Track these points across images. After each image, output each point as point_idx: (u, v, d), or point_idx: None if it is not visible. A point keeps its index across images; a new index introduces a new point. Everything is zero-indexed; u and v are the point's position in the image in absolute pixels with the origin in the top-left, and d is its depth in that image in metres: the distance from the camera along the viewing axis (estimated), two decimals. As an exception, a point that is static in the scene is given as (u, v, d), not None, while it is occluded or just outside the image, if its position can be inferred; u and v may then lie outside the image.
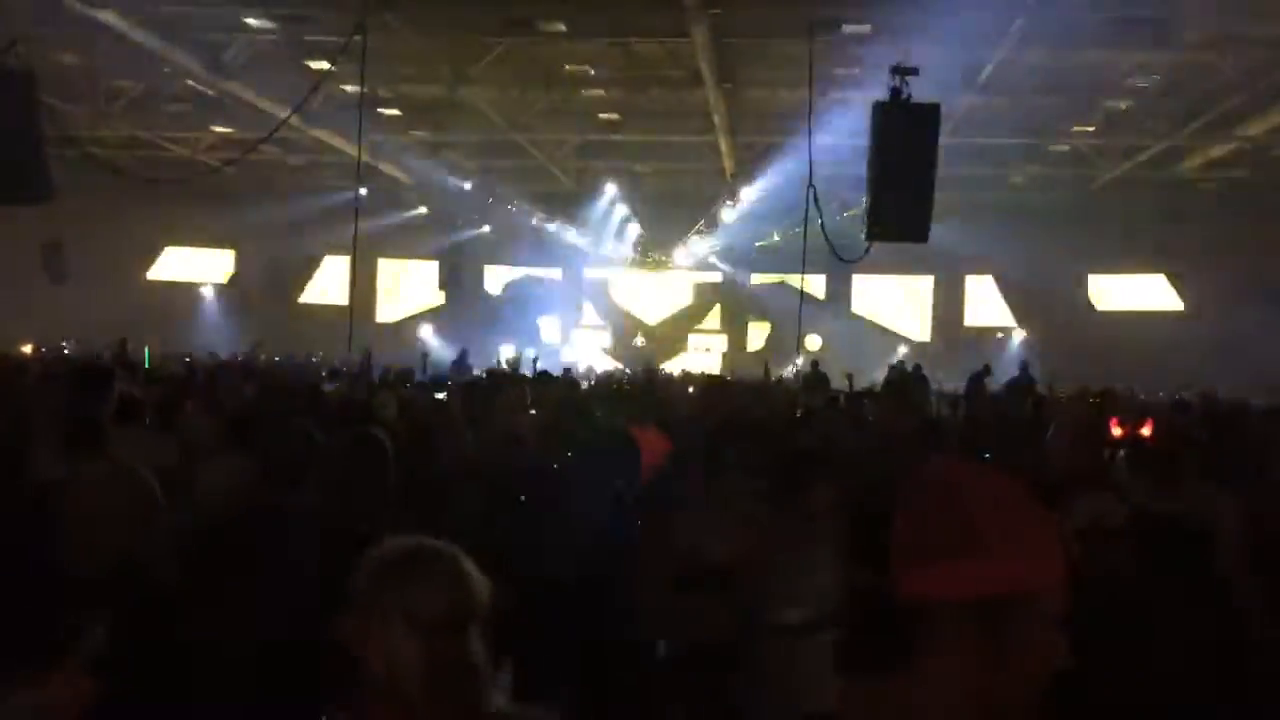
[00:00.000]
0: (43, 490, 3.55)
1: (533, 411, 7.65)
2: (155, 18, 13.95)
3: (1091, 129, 19.06)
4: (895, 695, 1.39)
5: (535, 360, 19.22)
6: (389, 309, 30.22)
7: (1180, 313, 25.46)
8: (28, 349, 21.50)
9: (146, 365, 15.24)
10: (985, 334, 26.79)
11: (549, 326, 29.51)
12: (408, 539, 2.09)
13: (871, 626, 1.39)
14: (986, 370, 18.25)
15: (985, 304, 28.21)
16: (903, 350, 25.60)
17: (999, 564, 1.36)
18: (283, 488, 3.78)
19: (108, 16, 13.22)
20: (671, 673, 3.61)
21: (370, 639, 1.96)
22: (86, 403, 5.19)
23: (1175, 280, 25.66)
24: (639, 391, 12.61)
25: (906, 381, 16.93)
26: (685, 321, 30.54)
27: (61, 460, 4.12)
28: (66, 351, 20.06)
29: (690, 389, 13.11)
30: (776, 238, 25.05)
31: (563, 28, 14.18)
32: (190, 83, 17.19)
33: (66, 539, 2.39)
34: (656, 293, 30.47)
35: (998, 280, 27.43)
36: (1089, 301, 26.79)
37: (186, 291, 29.75)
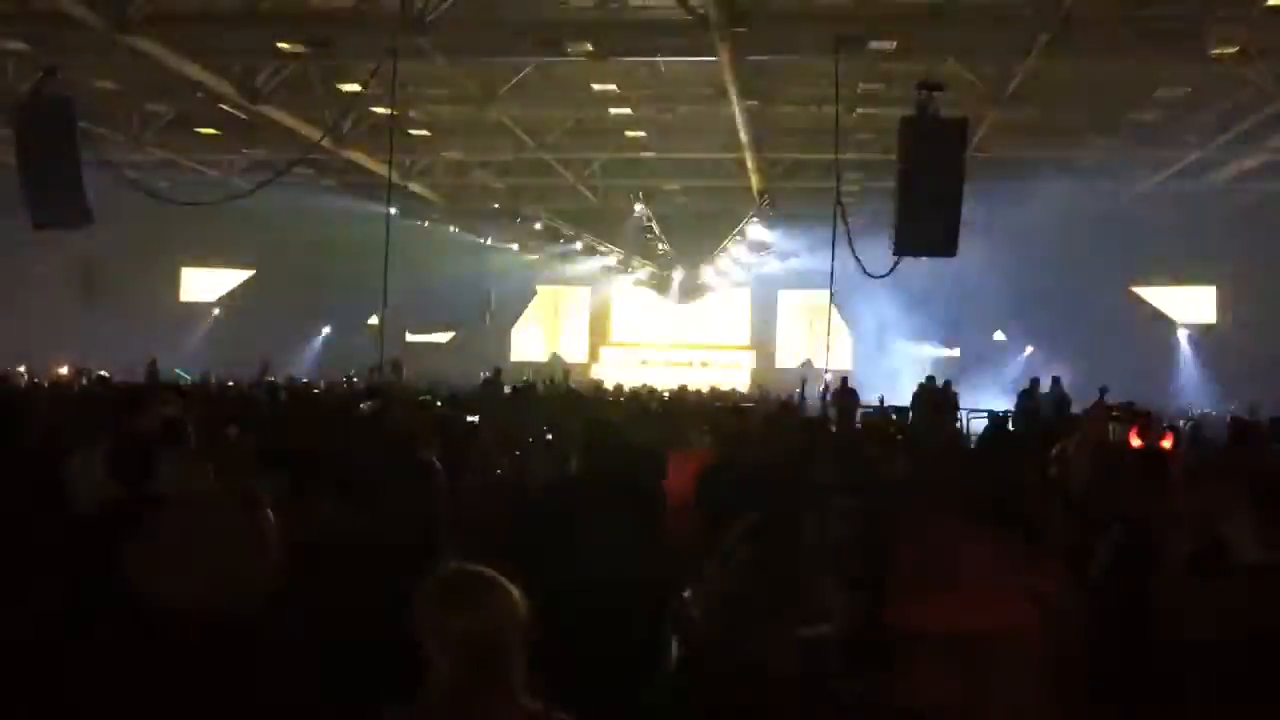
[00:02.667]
0: (113, 509, 3.61)
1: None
2: (190, 44, 14.18)
3: (1119, 142, 18.98)
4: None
5: (566, 374, 19.41)
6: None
7: (1214, 325, 25.23)
8: (64, 370, 21.84)
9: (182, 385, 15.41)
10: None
11: (577, 342, 29.61)
12: (461, 566, 2.43)
13: (866, 646, 1.48)
14: (1035, 385, 18.00)
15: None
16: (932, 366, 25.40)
17: (969, 603, 1.42)
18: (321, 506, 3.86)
19: (143, 43, 13.45)
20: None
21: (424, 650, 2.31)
22: (132, 423, 5.27)
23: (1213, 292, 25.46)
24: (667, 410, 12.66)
25: (936, 397, 16.89)
26: (712, 338, 30.58)
27: (108, 481, 4.19)
28: (103, 373, 20.32)
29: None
30: (804, 253, 25.00)
31: (590, 48, 14.29)
32: (224, 107, 17.45)
33: (174, 563, 2.41)
34: (684, 309, 30.48)
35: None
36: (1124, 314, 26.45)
37: (215, 311, 30.03)
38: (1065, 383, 18.41)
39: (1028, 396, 17.51)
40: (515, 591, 2.38)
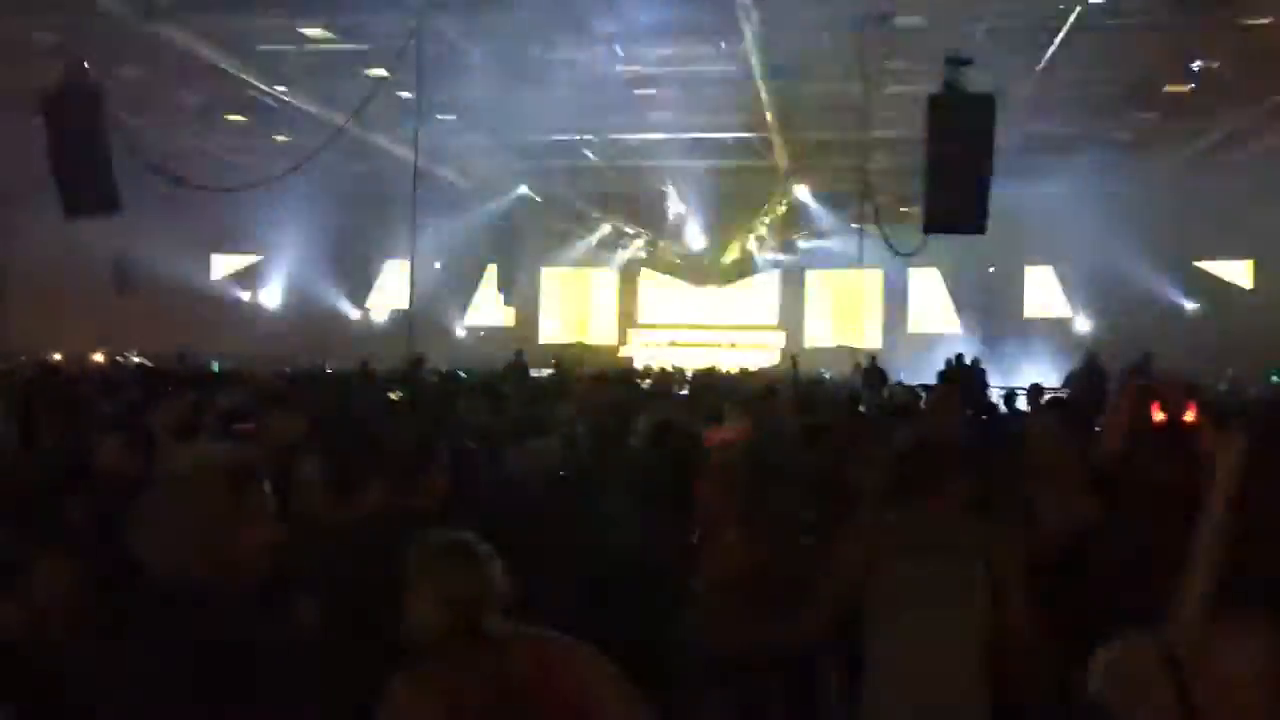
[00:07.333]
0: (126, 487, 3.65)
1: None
2: (217, 31, 14.23)
3: (1153, 114, 18.70)
4: None
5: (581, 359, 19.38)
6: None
7: (1252, 294, 24.83)
8: (99, 357, 22.06)
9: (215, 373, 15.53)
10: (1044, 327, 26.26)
11: (605, 324, 29.58)
12: (444, 533, 2.65)
13: None
14: (1094, 358, 17.22)
15: (1045, 296, 27.78)
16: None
17: None
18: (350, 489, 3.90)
19: (171, 31, 13.52)
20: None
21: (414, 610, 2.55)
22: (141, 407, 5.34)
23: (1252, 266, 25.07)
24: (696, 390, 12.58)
25: (961, 373, 16.72)
26: (741, 318, 30.48)
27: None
28: (136, 360, 20.50)
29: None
30: (833, 232, 24.86)
31: (616, 29, 14.21)
32: (251, 93, 17.50)
33: (168, 535, 2.40)
34: (712, 290, 30.38)
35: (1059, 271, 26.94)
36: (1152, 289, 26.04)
37: (248, 300, 30.21)
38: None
39: (1083, 374, 16.73)
40: (495, 555, 2.60)
